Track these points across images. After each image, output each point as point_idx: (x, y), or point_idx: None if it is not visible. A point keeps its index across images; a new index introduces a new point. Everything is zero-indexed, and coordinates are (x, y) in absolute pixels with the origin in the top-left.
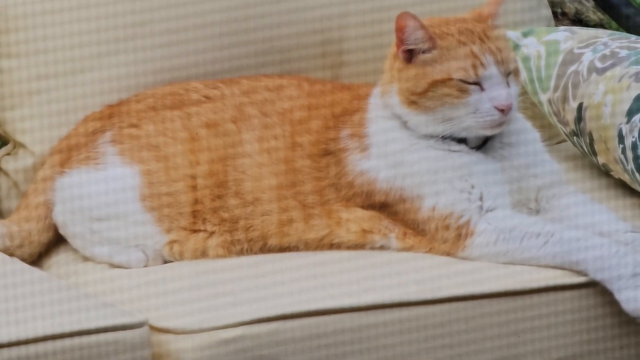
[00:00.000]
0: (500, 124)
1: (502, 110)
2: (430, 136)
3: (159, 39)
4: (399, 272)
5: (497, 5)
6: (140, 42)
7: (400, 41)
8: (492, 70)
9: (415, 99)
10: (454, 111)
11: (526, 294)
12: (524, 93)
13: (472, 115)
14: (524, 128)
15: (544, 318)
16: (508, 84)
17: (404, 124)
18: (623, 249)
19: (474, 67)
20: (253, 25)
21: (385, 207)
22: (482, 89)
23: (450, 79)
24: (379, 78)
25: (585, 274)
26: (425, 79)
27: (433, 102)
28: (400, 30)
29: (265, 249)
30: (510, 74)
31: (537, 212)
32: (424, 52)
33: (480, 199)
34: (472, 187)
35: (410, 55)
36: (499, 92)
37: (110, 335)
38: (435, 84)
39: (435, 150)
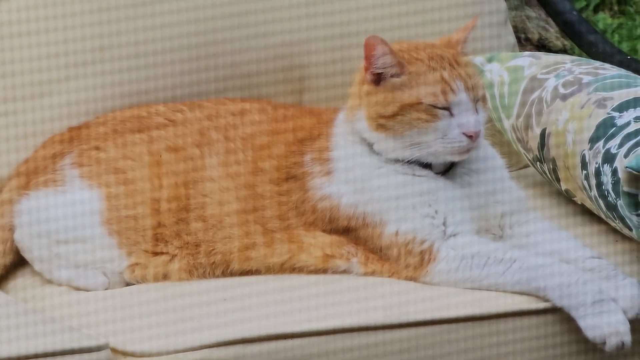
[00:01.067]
0: (467, 150)
1: (470, 137)
2: (396, 161)
3: (121, 63)
4: (364, 298)
5: (466, 32)
6: (102, 66)
7: (369, 64)
8: (462, 96)
9: (384, 122)
10: (422, 136)
11: (492, 319)
12: (490, 120)
13: (441, 140)
14: (489, 155)
15: (510, 344)
16: (477, 111)
17: (370, 149)
18: (585, 277)
19: (444, 92)
20: (215, 51)
21: (348, 231)
22: (451, 114)
23: (420, 103)
24: (342, 103)
25: (548, 300)
26: (395, 102)
27: (402, 126)
28: (368, 54)
29: (227, 273)
30: (478, 100)
31: (501, 238)
32: (392, 76)
33: (444, 224)
34: (436, 212)
35: (378, 79)
36: (468, 119)
37: (71, 359)
38: (404, 107)
39: (400, 176)
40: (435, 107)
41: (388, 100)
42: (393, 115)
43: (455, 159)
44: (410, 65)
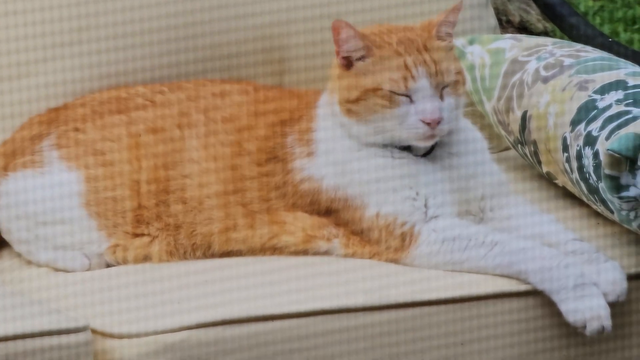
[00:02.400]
0: (431, 137)
1: (428, 124)
2: (374, 144)
3: (102, 44)
4: (345, 280)
5: (444, 15)
6: (82, 47)
7: (339, 48)
8: (423, 82)
9: (350, 107)
10: (384, 122)
11: (472, 301)
12: (471, 103)
13: (399, 127)
14: (472, 138)
15: (490, 328)
16: (442, 97)
17: (349, 132)
18: (566, 260)
19: (405, 78)
20: (195, 32)
21: (330, 213)
22: (411, 101)
23: (380, 89)
24: (323, 85)
25: (529, 283)
26: (358, 87)
27: (365, 111)
28: (335, 38)
29: (208, 254)
30: (446, 86)
31: (481, 221)
32: (359, 59)
33: (425, 206)
34: (417, 194)
35: (348, 63)
36: (426, 106)
37: (52, 339)
38: (366, 92)
39: (380, 158)
40: (395, 93)
41: (352, 84)
42: (357, 100)
43: (421, 144)
44: (378, 49)
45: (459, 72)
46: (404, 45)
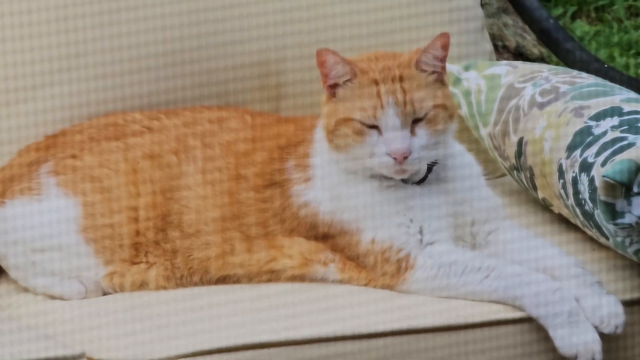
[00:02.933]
0: (401, 171)
1: (395, 158)
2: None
3: (98, 70)
4: (338, 306)
5: (427, 46)
6: (78, 73)
7: (324, 76)
8: (391, 114)
9: (330, 136)
10: (356, 153)
11: (465, 329)
12: (464, 129)
13: (370, 160)
14: (467, 162)
15: (485, 353)
16: (414, 132)
17: (336, 159)
18: (561, 286)
19: (374, 107)
20: (191, 58)
21: (327, 238)
22: (380, 133)
23: (351, 120)
24: (317, 110)
25: (523, 310)
26: (335, 116)
27: (340, 141)
28: (321, 66)
29: (205, 279)
30: (420, 120)
31: (475, 247)
32: (343, 84)
33: (420, 232)
34: (411, 220)
35: (333, 92)
36: (393, 139)
37: None
38: (339, 122)
39: (372, 183)
40: (364, 124)
41: (331, 113)
42: (334, 131)
43: (395, 177)
44: (361, 74)
45: (442, 106)
46: (382, 74)
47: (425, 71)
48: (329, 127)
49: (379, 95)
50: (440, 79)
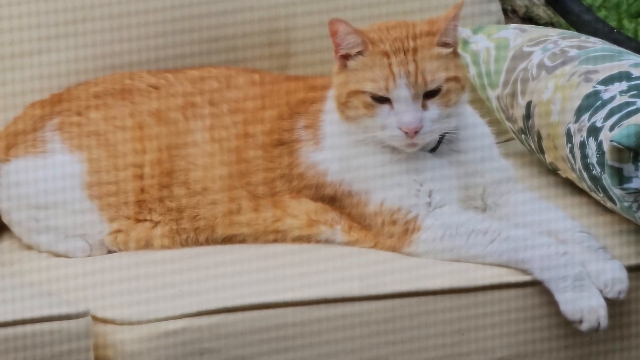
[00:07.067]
0: (411, 145)
1: (406, 132)
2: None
3: (102, 23)
4: (344, 267)
5: (448, 21)
6: (83, 38)
7: (336, 46)
8: (402, 87)
9: (341, 107)
10: (367, 125)
11: (471, 292)
12: (472, 89)
13: (381, 132)
14: (480, 133)
15: (488, 317)
16: (426, 106)
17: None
18: (568, 250)
19: (386, 81)
20: (199, 12)
21: (334, 200)
22: (391, 106)
23: (362, 92)
24: (327, 68)
25: (529, 273)
26: (346, 88)
27: (352, 114)
28: (333, 36)
29: (211, 239)
30: (432, 95)
31: (484, 210)
32: (355, 56)
33: (429, 195)
34: (421, 184)
35: (345, 63)
36: (404, 114)
37: (51, 325)
38: (350, 94)
39: (383, 150)
40: (375, 97)
41: (342, 85)
42: (345, 103)
43: (406, 150)
44: (372, 45)
45: (454, 78)
46: (394, 45)
47: (443, 44)
48: (340, 98)
49: (390, 67)
50: (454, 50)
